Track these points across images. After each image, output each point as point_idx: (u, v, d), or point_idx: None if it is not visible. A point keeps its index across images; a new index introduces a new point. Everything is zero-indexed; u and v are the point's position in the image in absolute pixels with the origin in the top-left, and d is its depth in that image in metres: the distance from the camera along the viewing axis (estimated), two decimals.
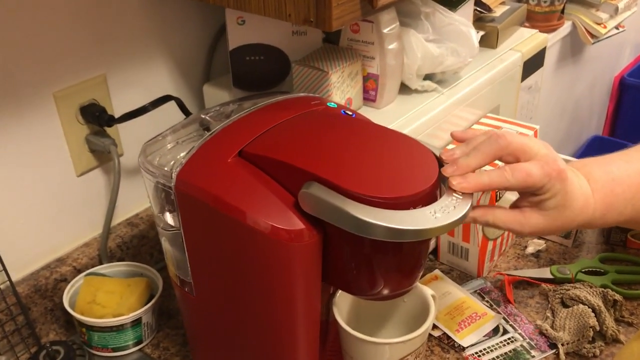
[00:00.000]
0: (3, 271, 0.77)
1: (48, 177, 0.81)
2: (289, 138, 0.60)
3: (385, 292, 0.58)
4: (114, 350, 0.80)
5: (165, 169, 0.59)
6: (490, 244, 0.89)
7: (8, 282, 0.77)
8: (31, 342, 0.81)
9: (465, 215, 0.53)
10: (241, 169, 0.57)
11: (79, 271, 0.85)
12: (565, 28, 1.83)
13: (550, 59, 1.87)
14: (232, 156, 0.58)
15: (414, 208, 0.52)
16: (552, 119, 2.07)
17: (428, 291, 0.66)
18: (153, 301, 0.80)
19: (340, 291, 0.65)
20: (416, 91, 0.85)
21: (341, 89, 0.77)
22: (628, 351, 0.59)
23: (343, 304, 0.66)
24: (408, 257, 0.57)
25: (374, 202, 0.51)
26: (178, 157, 0.60)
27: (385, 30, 0.77)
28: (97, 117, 0.81)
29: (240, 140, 0.59)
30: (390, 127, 0.75)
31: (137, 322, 0.79)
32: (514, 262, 0.94)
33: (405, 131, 0.65)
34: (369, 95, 0.82)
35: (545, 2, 1.72)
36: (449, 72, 0.87)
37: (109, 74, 0.83)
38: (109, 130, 0.84)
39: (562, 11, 1.82)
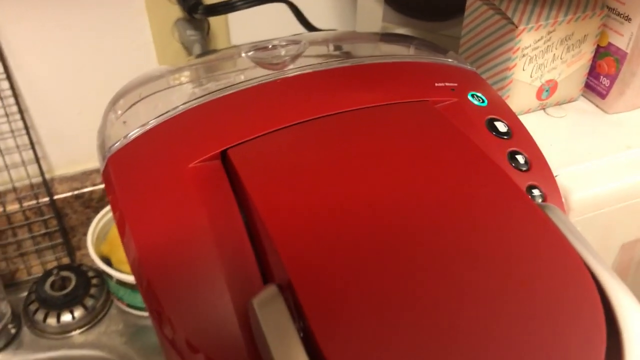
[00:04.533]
0: (36, 163, 0.62)
1: (122, 64, 0.61)
2: (321, 157, 0.29)
3: None
4: (129, 306, 0.62)
5: (113, 139, 0.33)
6: None
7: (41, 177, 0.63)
8: (64, 253, 0.67)
9: None
10: (201, 188, 0.29)
11: None
12: None
13: None
14: (204, 157, 0.30)
15: None
16: None
17: None
18: None
19: None
20: None
21: (539, 61, 0.41)
22: None
23: None
24: None
25: None
26: (139, 123, 0.33)
27: None
28: None
29: (238, 129, 0.31)
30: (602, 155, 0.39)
31: None
32: None
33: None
34: (597, 84, 0.44)
35: None
36: None
37: None
38: (213, 20, 0.60)
39: None
